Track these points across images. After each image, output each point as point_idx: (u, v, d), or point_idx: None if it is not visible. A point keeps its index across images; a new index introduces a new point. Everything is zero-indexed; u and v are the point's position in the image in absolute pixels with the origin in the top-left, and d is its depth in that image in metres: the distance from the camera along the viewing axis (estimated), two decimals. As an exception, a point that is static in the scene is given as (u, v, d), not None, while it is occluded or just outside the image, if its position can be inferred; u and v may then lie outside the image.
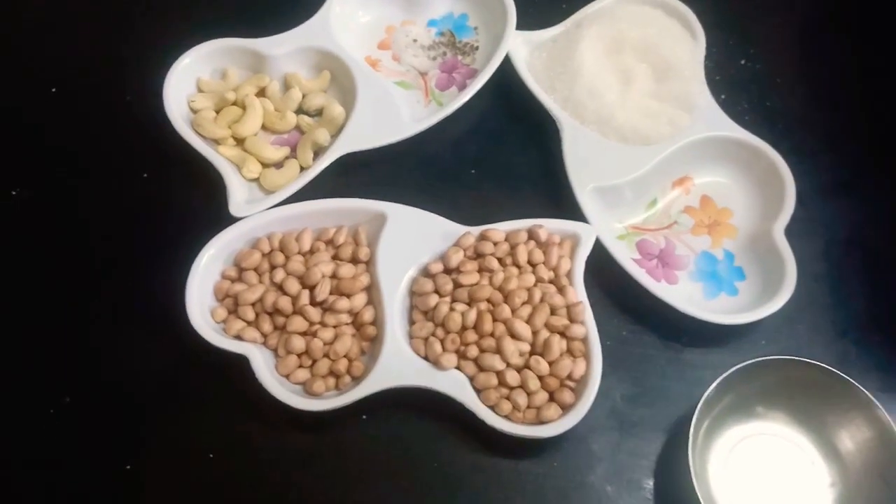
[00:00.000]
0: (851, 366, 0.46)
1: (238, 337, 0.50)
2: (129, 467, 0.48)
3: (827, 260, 0.53)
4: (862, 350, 0.50)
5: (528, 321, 0.48)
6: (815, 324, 0.51)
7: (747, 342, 0.50)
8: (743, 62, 0.61)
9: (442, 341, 0.48)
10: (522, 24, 0.59)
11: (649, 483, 0.47)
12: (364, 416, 0.49)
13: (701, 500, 0.42)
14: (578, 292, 0.49)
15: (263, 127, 0.58)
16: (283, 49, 0.58)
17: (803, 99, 0.59)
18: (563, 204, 0.53)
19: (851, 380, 0.44)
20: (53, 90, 0.61)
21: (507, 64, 0.57)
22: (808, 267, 0.51)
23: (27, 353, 0.51)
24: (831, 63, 0.61)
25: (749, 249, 0.53)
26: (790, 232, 0.51)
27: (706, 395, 0.44)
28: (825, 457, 0.46)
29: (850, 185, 0.56)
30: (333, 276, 0.51)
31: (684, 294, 0.51)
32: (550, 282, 0.50)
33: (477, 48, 0.61)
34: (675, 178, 0.55)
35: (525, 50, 0.58)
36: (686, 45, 0.57)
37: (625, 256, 0.50)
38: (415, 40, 0.61)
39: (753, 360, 0.45)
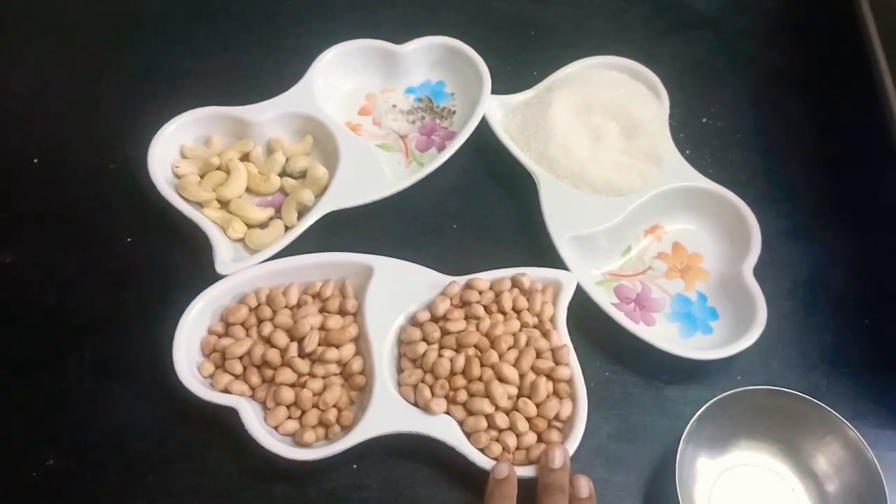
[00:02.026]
0: (823, 396, 0.51)
1: (226, 390, 0.53)
2: (116, 529, 0.50)
3: (793, 298, 0.60)
4: (832, 381, 0.56)
5: (515, 364, 0.53)
6: (786, 358, 0.57)
7: (724, 377, 0.56)
8: (704, 120, 0.69)
9: (431, 387, 0.53)
10: (497, 89, 0.66)
11: (639, 517, 0.51)
12: (354, 465, 0.52)
13: (690, 530, 0.47)
14: (562, 335, 0.55)
15: (248, 189, 0.63)
16: (267, 115, 0.65)
17: (761, 152, 0.68)
18: (543, 253, 0.59)
19: (824, 405, 0.50)
20: (35, 161, 0.66)
21: (483, 125, 0.65)
22: (777, 305, 0.57)
23: (9, 416, 0.54)
24: (785, 118, 0.70)
25: (720, 290, 0.59)
26: (757, 274, 0.58)
27: (688, 427, 0.49)
28: (804, 482, 0.51)
29: (811, 228, 0.63)
30: (321, 327, 0.55)
31: (662, 334, 0.57)
32: (535, 327, 0.55)
33: (454, 112, 0.69)
34: (647, 226, 0.63)
35: (500, 112, 0.66)
36: (652, 106, 0.65)
37: (604, 301, 0.56)
38: (394, 105, 0.68)
39: (731, 392, 0.50)
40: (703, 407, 0.50)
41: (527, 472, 0.50)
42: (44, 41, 0.75)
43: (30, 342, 0.57)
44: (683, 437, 0.49)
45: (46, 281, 0.60)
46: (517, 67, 0.70)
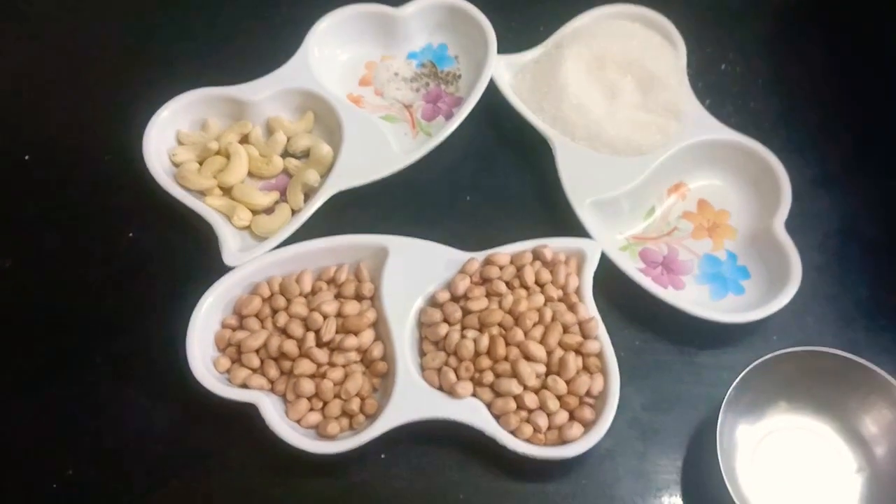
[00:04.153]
0: (863, 352, 0.50)
1: (244, 385, 0.52)
2: (141, 535, 0.50)
3: (826, 251, 0.58)
4: (871, 336, 0.55)
5: (542, 341, 0.51)
6: (822, 315, 0.56)
7: (759, 339, 0.54)
8: (723, 67, 0.67)
9: (455, 370, 0.51)
10: (502, 49, 0.63)
11: (678, 489, 0.50)
12: (383, 455, 0.51)
13: (735, 499, 0.45)
14: (589, 308, 0.53)
15: (250, 173, 0.61)
16: (264, 94, 0.62)
17: (786, 97, 0.65)
18: (562, 221, 0.57)
19: (868, 364, 0.49)
20: (27, 158, 0.64)
21: (491, 89, 0.62)
22: (809, 259, 0.55)
23: (25, 427, 0.53)
24: (807, 61, 0.67)
25: (750, 248, 0.57)
26: (787, 227, 0.56)
27: (728, 394, 0.48)
28: (849, 444, 0.50)
29: (840, 176, 0.61)
30: (338, 314, 0.54)
31: (692, 298, 0.55)
32: (560, 300, 0.54)
33: (459, 76, 0.66)
34: (670, 184, 0.60)
35: (508, 74, 0.63)
36: (668, 56, 0.63)
37: (630, 267, 0.55)
38: (396, 74, 0.66)
39: (770, 355, 0.49)
40: (741, 374, 0.48)
41: (560, 452, 0.49)
42: (23, 33, 0.72)
43: (38, 349, 0.56)
44: (724, 404, 0.48)
45: (49, 284, 0.59)
46: (522, 24, 0.67)
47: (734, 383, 0.48)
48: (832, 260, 0.58)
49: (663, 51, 0.63)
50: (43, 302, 0.58)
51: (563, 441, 0.49)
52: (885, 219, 0.60)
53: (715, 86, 0.65)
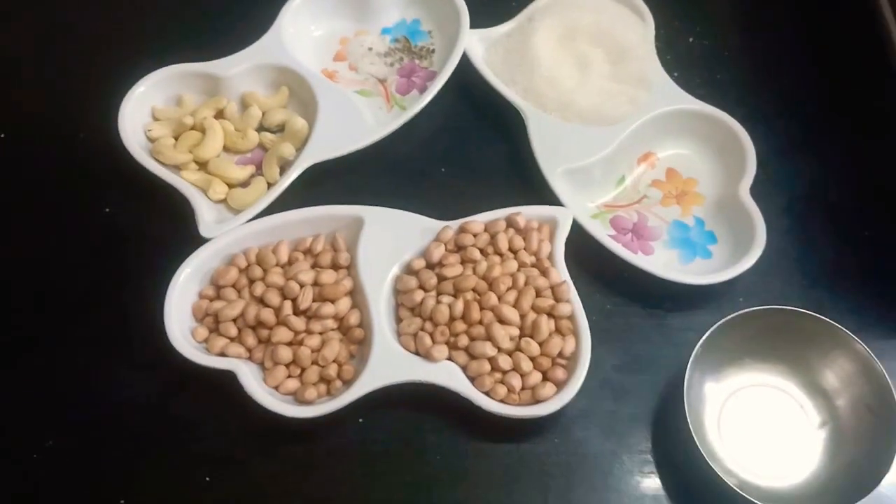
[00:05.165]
0: (827, 311, 0.51)
1: (222, 354, 0.53)
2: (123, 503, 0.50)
3: (790, 216, 0.60)
4: (834, 295, 0.56)
5: (515, 305, 0.52)
6: (787, 276, 0.57)
7: (726, 300, 0.56)
8: (691, 40, 0.68)
9: (431, 334, 0.52)
10: (475, 23, 0.64)
11: (648, 445, 0.52)
12: (360, 419, 0.52)
13: (703, 453, 0.47)
14: (561, 272, 0.54)
15: (225, 148, 0.62)
16: (238, 69, 0.63)
17: (751, 69, 0.67)
18: (535, 190, 0.58)
19: (829, 320, 0.50)
20: (1, 135, 0.64)
21: (464, 62, 0.63)
22: (775, 224, 0.57)
23: (3, 400, 0.53)
24: (772, 33, 0.69)
25: (717, 214, 0.59)
26: (753, 193, 0.57)
27: (694, 352, 0.49)
28: (813, 398, 0.52)
29: (804, 144, 0.63)
30: (315, 283, 0.54)
31: (661, 262, 0.57)
32: (533, 266, 0.55)
33: (433, 51, 0.67)
34: (640, 154, 0.62)
35: (481, 47, 0.64)
36: (636, 28, 0.64)
37: (601, 233, 0.56)
38: (370, 49, 0.66)
39: (734, 315, 0.50)
40: (707, 332, 0.50)
41: (533, 411, 0.50)
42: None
43: (15, 325, 0.56)
44: (689, 363, 0.49)
45: (26, 260, 0.59)
46: (494, -2, 0.68)
47: (700, 341, 0.50)
48: (796, 224, 0.60)
49: (632, 23, 0.64)
50: (21, 277, 0.58)
51: (536, 401, 0.51)
52: (847, 183, 0.61)
53: (683, 58, 0.67)
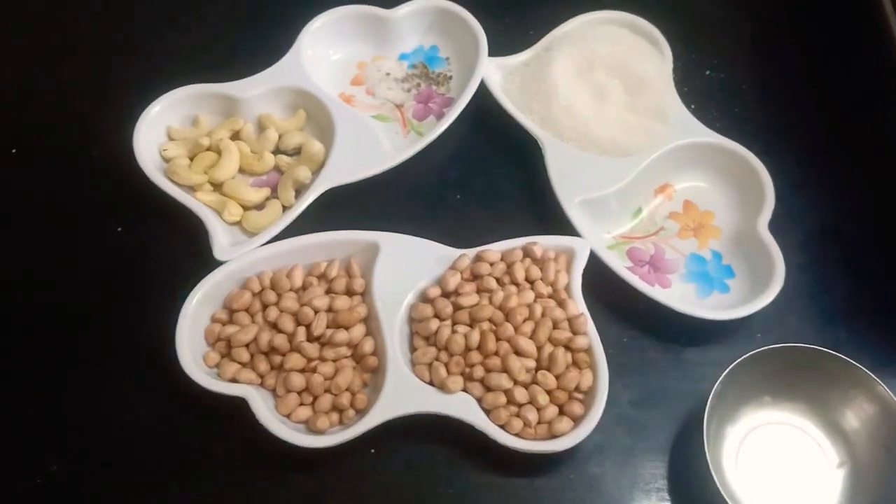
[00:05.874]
0: (844, 349, 0.51)
1: (234, 380, 0.52)
2: (129, 531, 0.49)
3: (808, 251, 0.59)
4: (851, 334, 0.56)
5: (532, 337, 0.52)
6: (804, 312, 0.57)
7: (743, 336, 0.55)
8: (708, 73, 0.68)
9: (446, 365, 0.52)
10: (493, 51, 0.64)
11: (665, 483, 0.51)
12: (372, 450, 0.51)
13: (722, 492, 0.46)
14: (578, 304, 0.54)
15: (241, 170, 0.61)
16: (255, 91, 0.63)
17: (767, 103, 0.66)
18: (552, 220, 0.58)
19: (848, 359, 0.50)
20: (14, 151, 0.63)
21: (482, 90, 0.63)
22: (792, 259, 0.56)
23: (7, 421, 0.53)
24: (788, 67, 0.69)
25: (735, 248, 0.59)
26: (770, 228, 0.57)
27: (715, 388, 0.48)
28: (831, 438, 0.51)
29: (821, 178, 0.63)
30: (329, 309, 0.54)
31: (678, 296, 0.56)
32: (550, 297, 0.54)
33: (450, 77, 0.67)
34: (657, 185, 0.61)
35: (499, 75, 0.64)
36: (654, 60, 0.64)
37: (618, 265, 0.55)
38: (388, 74, 0.66)
39: (756, 351, 0.50)
40: (728, 368, 0.49)
41: (550, 446, 0.49)
42: (14, 24, 0.71)
43: (23, 344, 0.56)
44: (710, 398, 0.48)
45: (36, 278, 0.58)
46: (512, 27, 0.68)
47: (720, 378, 0.49)
48: (814, 260, 0.59)
49: (650, 56, 0.64)
50: (32, 297, 0.57)
51: (552, 435, 0.50)
52: (865, 218, 0.61)
53: (700, 91, 0.66)
